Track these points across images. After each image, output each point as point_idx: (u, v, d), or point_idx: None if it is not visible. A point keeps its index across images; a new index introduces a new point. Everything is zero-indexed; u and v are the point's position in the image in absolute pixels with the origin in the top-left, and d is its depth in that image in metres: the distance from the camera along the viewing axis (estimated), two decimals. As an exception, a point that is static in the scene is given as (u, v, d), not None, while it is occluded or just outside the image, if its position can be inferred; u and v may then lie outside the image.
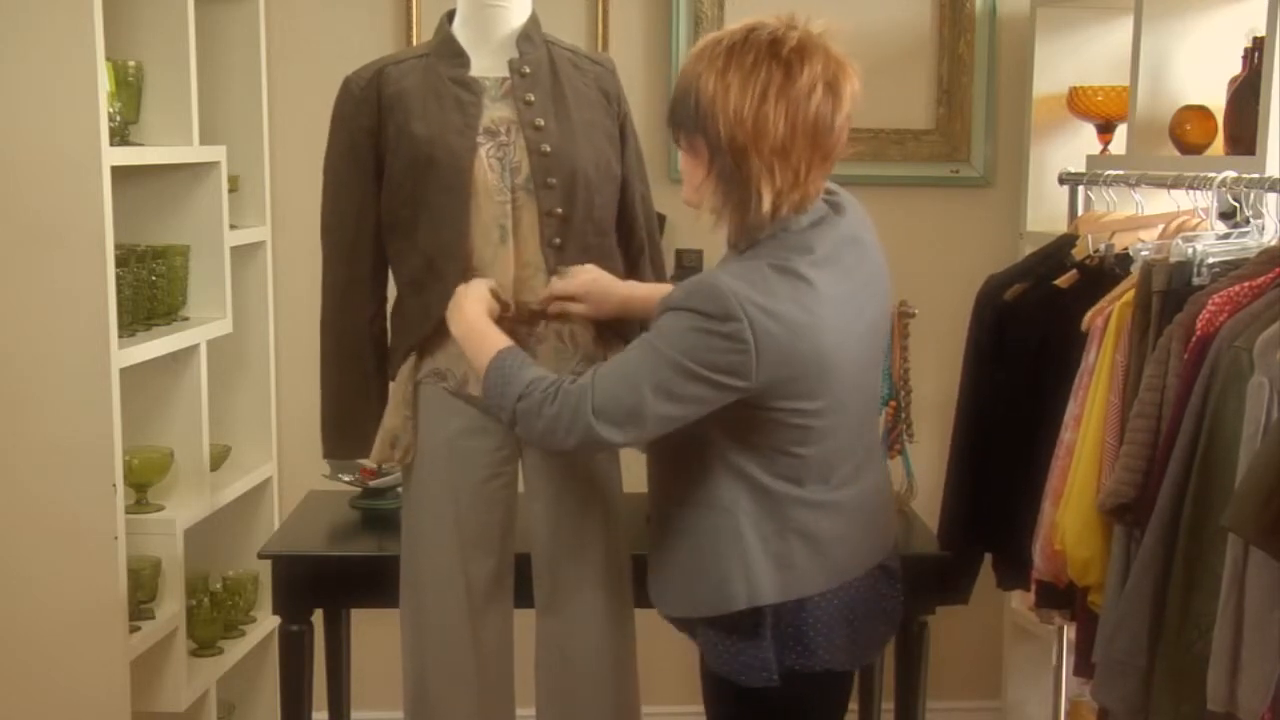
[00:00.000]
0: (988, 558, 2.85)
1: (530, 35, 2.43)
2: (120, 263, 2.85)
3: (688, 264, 3.34)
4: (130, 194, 3.03)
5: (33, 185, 2.73)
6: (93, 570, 2.81)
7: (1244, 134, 2.68)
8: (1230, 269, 2.24)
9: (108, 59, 2.79)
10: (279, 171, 3.49)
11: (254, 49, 3.38)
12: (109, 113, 2.79)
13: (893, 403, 2.89)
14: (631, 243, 2.58)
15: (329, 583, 2.83)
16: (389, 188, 2.41)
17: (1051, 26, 3.43)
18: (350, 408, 2.52)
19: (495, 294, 2.35)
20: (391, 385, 2.49)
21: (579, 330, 2.45)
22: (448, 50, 2.41)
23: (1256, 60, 2.69)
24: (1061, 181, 2.99)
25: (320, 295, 2.52)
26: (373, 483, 3.01)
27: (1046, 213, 3.42)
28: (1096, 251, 2.64)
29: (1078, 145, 3.41)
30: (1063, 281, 2.64)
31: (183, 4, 3.07)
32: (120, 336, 2.83)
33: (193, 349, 3.14)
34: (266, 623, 3.41)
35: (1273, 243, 2.30)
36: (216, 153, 3.18)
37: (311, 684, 2.87)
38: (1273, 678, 1.91)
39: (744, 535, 2.06)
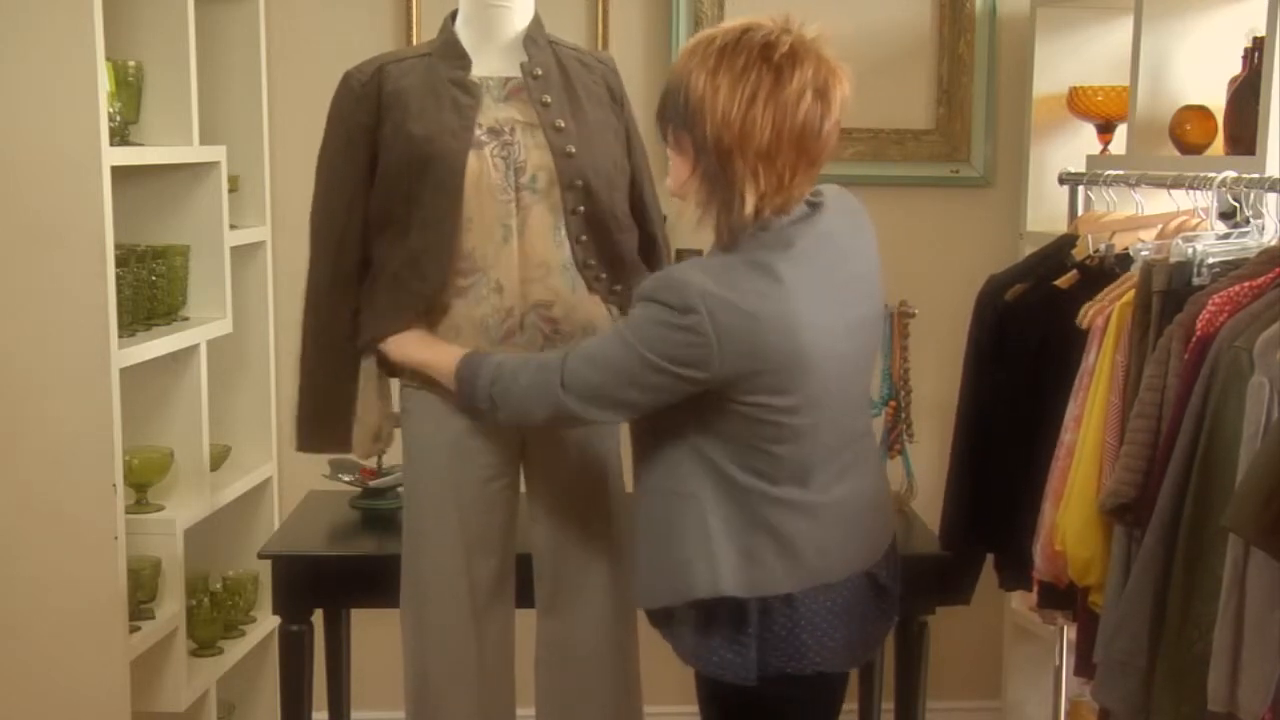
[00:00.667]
0: (989, 558, 2.86)
1: (534, 37, 2.43)
2: (120, 263, 2.85)
3: (688, 264, 3.33)
4: (130, 194, 3.02)
5: (33, 185, 2.73)
6: (93, 570, 2.81)
7: (1244, 134, 2.68)
8: (1230, 269, 2.24)
9: (108, 59, 2.79)
10: (279, 171, 3.49)
11: (254, 49, 3.38)
12: (109, 113, 2.79)
13: (893, 403, 2.89)
14: (640, 239, 2.58)
15: (329, 583, 2.83)
16: (381, 184, 2.40)
17: (1051, 26, 3.43)
18: (327, 403, 2.52)
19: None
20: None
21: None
22: (450, 51, 2.41)
23: (1256, 60, 2.69)
24: (1061, 181, 2.99)
25: (304, 289, 2.51)
26: (373, 483, 3.01)
27: (1046, 213, 3.42)
28: (1097, 251, 2.64)
29: (1078, 145, 3.41)
30: (1063, 282, 2.64)
31: (183, 4, 3.06)
32: (120, 336, 2.83)
33: (193, 349, 3.14)
34: (266, 623, 3.41)
35: (1273, 243, 2.30)
36: (216, 153, 3.18)
37: (311, 684, 2.87)
38: (1273, 678, 1.91)
39: (708, 522, 2.05)
